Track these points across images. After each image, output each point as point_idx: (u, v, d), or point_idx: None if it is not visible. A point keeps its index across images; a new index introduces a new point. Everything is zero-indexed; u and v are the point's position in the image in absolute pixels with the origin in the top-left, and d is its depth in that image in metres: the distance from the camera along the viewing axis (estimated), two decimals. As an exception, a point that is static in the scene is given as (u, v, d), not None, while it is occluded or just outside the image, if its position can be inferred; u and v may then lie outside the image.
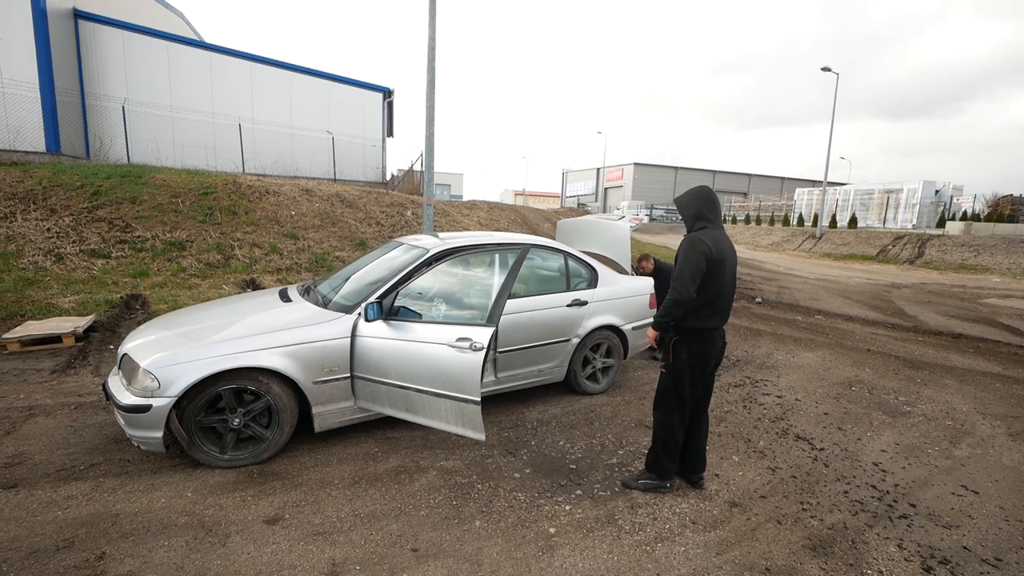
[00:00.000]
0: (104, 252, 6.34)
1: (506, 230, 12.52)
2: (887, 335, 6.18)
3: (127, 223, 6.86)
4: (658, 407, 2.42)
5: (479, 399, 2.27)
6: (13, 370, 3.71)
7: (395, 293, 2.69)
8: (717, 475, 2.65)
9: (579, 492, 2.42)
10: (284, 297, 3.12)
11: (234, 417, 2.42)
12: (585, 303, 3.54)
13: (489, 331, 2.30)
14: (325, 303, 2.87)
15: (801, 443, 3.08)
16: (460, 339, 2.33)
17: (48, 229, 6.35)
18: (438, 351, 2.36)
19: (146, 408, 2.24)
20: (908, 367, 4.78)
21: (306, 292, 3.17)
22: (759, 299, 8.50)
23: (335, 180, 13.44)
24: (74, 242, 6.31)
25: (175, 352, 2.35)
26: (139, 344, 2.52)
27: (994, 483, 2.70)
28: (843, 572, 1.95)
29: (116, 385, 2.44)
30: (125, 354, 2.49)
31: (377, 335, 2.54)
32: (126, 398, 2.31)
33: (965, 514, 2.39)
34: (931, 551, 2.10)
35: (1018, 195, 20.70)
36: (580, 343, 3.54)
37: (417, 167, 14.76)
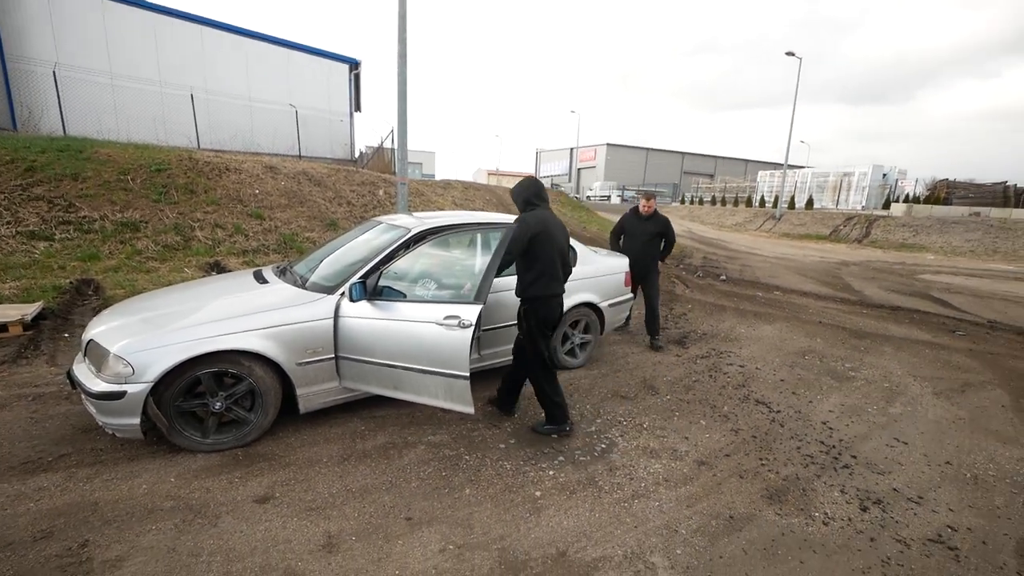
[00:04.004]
0: (45, 234, 5.83)
1: (481, 209, 12.40)
2: (836, 308, 6.70)
3: (70, 202, 6.31)
4: (528, 370, 2.79)
5: (468, 374, 2.34)
6: (-45, 361, 3.44)
7: (378, 273, 2.67)
8: (686, 438, 2.87)
9: (561, 458, 2.57)
10: (260, 278, 3.04)
11: (215, 401, 2.38)
12: (564, 282, 3.64)
13: (477, 308, 2.36)
14: (304, 284, 2.83)
15: (760, 407, 3.36)
16: (448, 317, 2.37)
17: (-24, 208, 5.76)
18: (426, 329, 2.40)
19: (120, 395, 2.17)
20: (853, 337, 5.24)
21: (282, 273, 3.10)
22: (723, 277, 8.94)
23: (300, 157, 12.79)
24: (8, 223, 5.76)
25: (150, 336, 2.27)
26: (106, 329, 2.41)
27: (920, 435, 3.07)
28: (795, 516, 2.20)
29: (84, 372, 2.33)
30: (91, 340, 2.37)
31: (362, 315, 2.54)
32: (97, 385, 2.22)
33: (896, 462, 2.73)
34: (867, 494, 2.40)
35: (954, 179, 22.44)
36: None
37: (388, 144, 14.23)
